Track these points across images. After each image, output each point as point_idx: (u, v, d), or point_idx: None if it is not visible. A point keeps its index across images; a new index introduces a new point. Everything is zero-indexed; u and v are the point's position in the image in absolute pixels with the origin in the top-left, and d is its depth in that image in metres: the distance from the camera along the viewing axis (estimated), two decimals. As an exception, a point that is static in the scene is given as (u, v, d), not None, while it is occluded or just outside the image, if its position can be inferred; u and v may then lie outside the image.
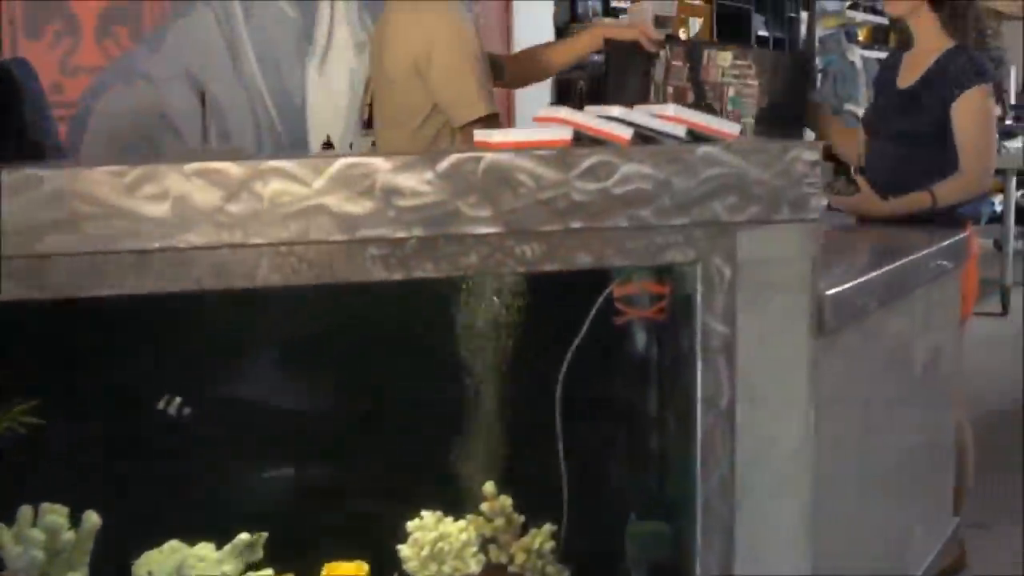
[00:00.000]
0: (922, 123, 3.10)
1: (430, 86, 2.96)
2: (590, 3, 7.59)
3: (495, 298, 1.98)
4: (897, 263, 2.31)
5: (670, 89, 3.10)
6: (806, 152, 1.80)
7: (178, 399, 2.04)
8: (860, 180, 3.12)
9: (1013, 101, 13.38)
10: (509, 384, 2.04)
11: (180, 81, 4.66)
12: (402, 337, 1.99)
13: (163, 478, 1.98)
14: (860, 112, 10.06)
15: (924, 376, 2.55)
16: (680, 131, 1.83)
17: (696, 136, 1.85)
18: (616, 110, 1.82)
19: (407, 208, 1.67)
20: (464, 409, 2.06)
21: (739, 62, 3.04)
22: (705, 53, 3.10)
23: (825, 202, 2.73)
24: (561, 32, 7.10)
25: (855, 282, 2.09)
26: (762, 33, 8.95)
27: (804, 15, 9.97)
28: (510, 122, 6.67)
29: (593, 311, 1.87)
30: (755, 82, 3.02)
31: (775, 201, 1.79)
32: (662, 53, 3.09)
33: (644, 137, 1.82)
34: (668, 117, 1.83)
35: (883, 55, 11.68)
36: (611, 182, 1.73)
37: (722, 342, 1.82)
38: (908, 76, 3.21)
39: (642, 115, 1.83)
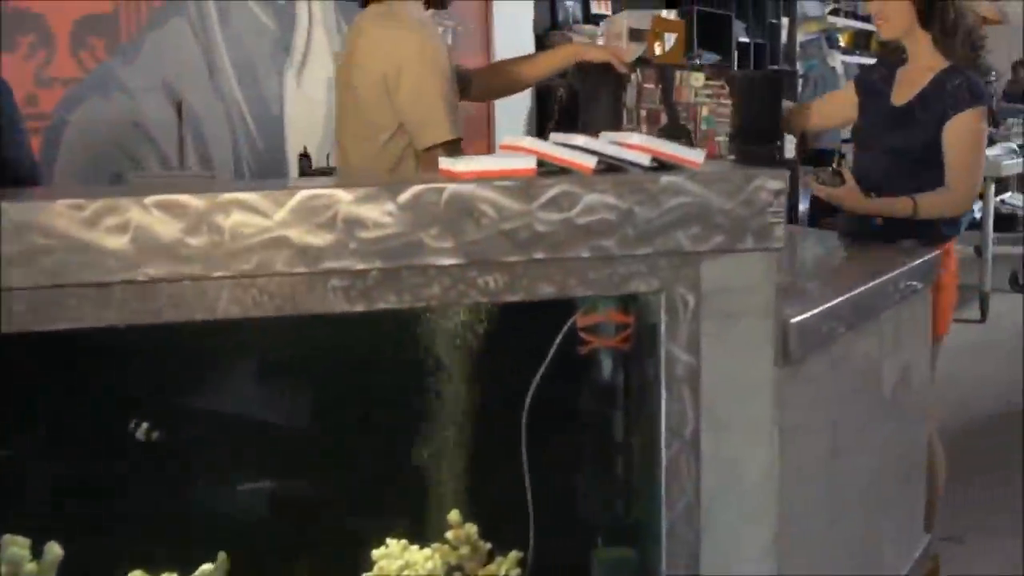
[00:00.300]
0: (915, 140, 3.13)
1: (397, 105, 2.96)
2: (570, 9, 7.60)
3: (460, 326, 1.97)
4: (864, 287, 2.31)
5: (643, 112, 3.10)
6: (770, 181, 1.80)
7: (145, 424, 2.04)
8: (846, 173, 3.13)
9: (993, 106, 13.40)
10: (475, 411, 2.04)
11: (156, 92, 4.65)
12: (367, 364, 1.99)
13: (126, 509, 1.97)
14: (841, 117, 10.10)
15: (894, 395, 2.55)
16: (644, 160, 1.83)
17: (661, 164, 1.85)
18: (580, 139, 1.82)
19: (369, 240, 1.66)
20: (429, 437, 2.06)
21: (712, 82, 3.04)
22: (677, 75, 3.10)
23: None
24: (541, 39, 7.11)
25: (820, 309, 2.09)
26: (743, 39, 8.96)
27: (785, 20, 9.99)
28: (489, 130, 6.68)
29: (558, 339, 1.86)
30: (728, 101, 3.03)
31: (739, 230, 1.79)
32: (633, 76, 3.08)
33: (609, 166, 1.82)
34: (632, 145, 1.83)
35: (865, 60, 11.77)
36: (574, 212, 1.73)
37: (686, 371, 1.82)
38: (903, 93, 3.23)
39: (606, 144, 1.82)
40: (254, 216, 1.63)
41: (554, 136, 1.91)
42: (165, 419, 1.99)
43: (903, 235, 2.94)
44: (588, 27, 7.45)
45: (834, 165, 3.21)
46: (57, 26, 4.26)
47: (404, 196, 1.67)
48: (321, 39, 5.38)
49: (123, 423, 2.00)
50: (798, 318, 1.97)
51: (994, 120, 11.79)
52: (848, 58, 11.06)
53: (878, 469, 2.49)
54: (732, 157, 3.23)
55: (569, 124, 6.34)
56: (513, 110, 6.86)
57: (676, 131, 3.13)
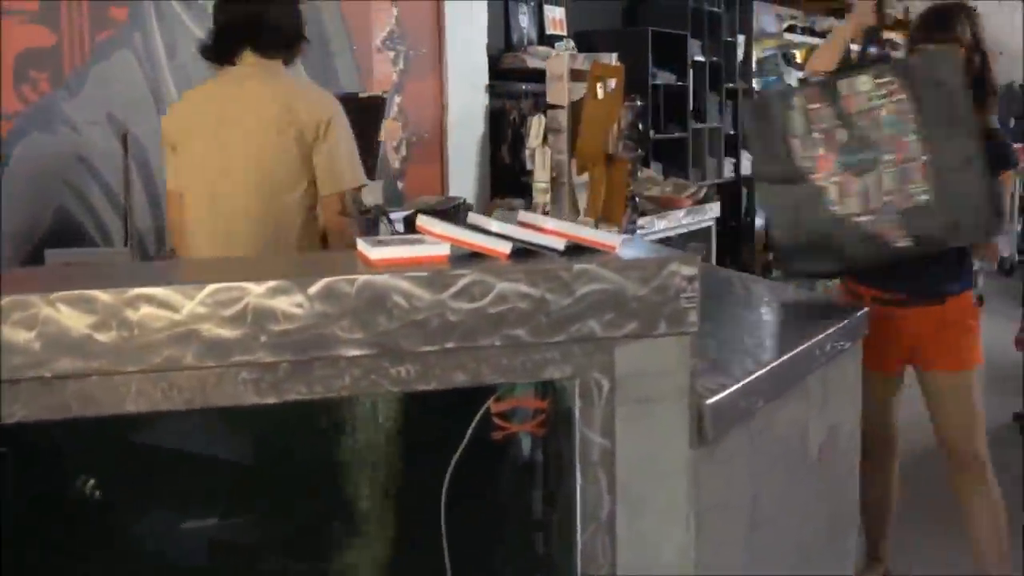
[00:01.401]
0: None
1: (319, 154, 3.18)
2: (525, 31, 7.61)
3: (378, 409, 1.97)
4: (787, 356, 2.33)
5: (816, 135, 3.07)
6: (684, 267, 1.81)
7: (91, 481, 2.02)
8: None
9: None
10: (393, 496, 2.03)
11: (101, 124, 4.63)
12: (282, 449, 1.98)
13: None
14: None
15: (821, 456, 2.57)
16: (559, 244, 1.83)
17: (578, 248, 1.85)
18: (495, 224, 1.83)
19: (279, 332, 1.66)
20: (345, 526, 2.05)
21: (881, 80, 3.02)
22: (842, 84, 3.06)
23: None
24: (495, 61, 7.12)
25: (738, 385, 2.11)
26: (699, 58, 9.01)
27: (741, 38, 10.04)
28: (441, 153, 6.69)
29: (473, 425, 1.87)
30: (904, 95, 2.99)
31: (653, 316, 1.81)
32: (795, 100, 3.09)
33: (524, 250, 1.82)
34: (547, 230, 1.84)
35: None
36: (486, 301, 1.74)
37: (601, 454, 1.83)
38: None
39: (520, 229, 1.83)
40: (163, 310, 1.63)
41: (472, 216, 1.91)
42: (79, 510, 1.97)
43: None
44: (543, 48, 7.46)
45: None
46: (-1, 60, 4.24)
47: (315, 288, 1.67)
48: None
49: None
50: (714, 399, 1.98)
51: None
52: (804, 74, 11.11)
53: (803, 532, 2.51)
54: (925, 157, 3.08)
55: (518, 146, 6.35)
56: (466, 133, 6.87)
57: (859, 145, 3.07)
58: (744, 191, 10.19)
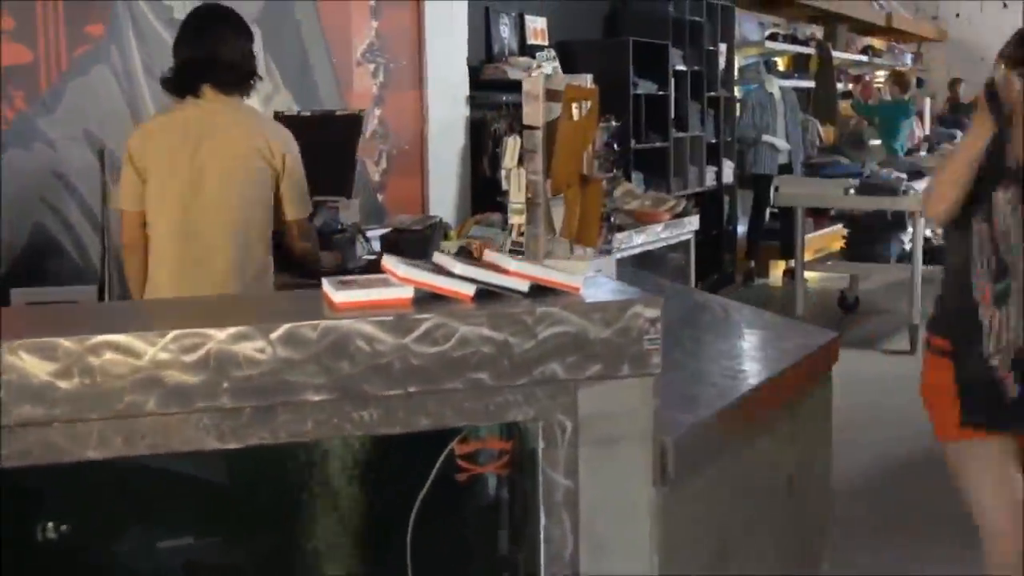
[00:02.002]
0: None
1: (285, 182, 3.47)
2: (506, 41, 7.62)
3: (340, 453, 1.98)
4: (754, 387, 2.34)
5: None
6: (647, 309, 1.83)
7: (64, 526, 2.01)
8: None
9: (927, 131, 13.58)
10: (358, 537, 2.03)
11: (78, 140, 4.63)
12: (242, 495, 1.98)
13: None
14: (778, 143, 10.20)
15: (791, 487, 2.58)
16: (523, 286, 1.84)
17: (542, 289, 1.86)
18: (458, 266, 1.83)
19: (242, 378, 1.67)
20: (310, 567, 2.05)
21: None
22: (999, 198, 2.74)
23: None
24: (475, 72, 7.13)
25: (702, 422, 2.12)
26: (680, 67, 9.03)
27: (723, 47, 10.06)
28: (422, 165, 6.69)
29: (436, 467, 1.87)
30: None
31: (616, 358, 1.82)
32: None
33: (487, 291, 1.83)
34: (511, 272, 1.84)
35: (802, 84, 11.87)
36: (449, 345, 1.74)
37: (565, 495, 1.84)
38: None
39: (483, 271, 1.84)
40: (126, 356, 1.63)
41: (437, 256, 1.92)
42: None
43: None
44: (523, 59, 7.47)
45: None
46: (-25, 78, 4.23)
47: (277, 333, 1.68)
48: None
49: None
50: (678, 436, 1.98)
51: (930, 147, 11.97)
52: (785, 82, 11.16)
53: (774, 564, 2.51)
54: None
55: (498, 158, 6.34)
56: (447, 145, 6.88)
57: None
58: (726, 199, 10.22)
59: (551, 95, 3.76)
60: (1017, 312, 2.77)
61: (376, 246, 4.23)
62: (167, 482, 1.95)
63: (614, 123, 3.99)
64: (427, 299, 1.81)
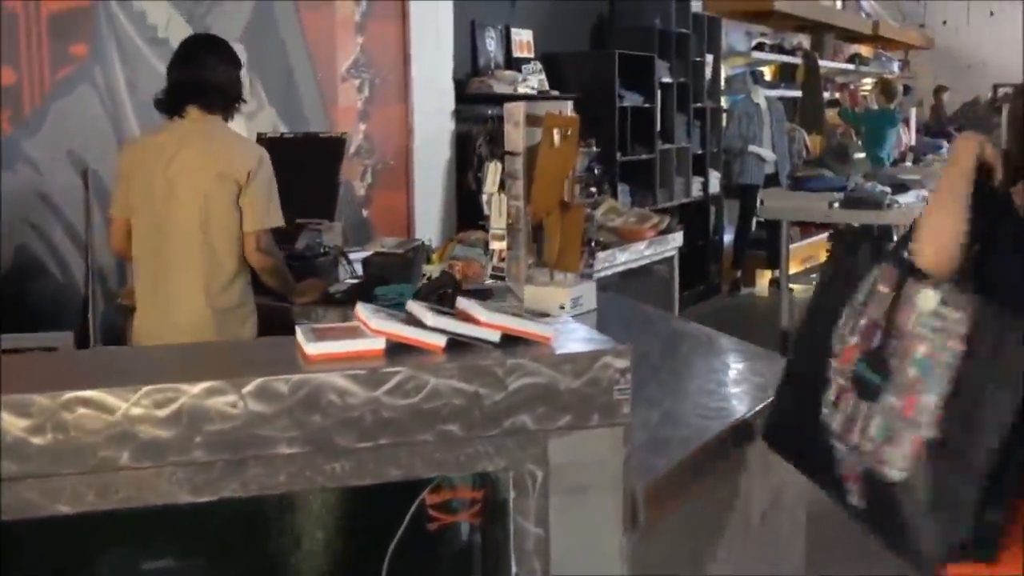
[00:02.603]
0: None
1: (250, 195, 3.62)
2: (492, 55, 7.63)
3: (313, 503, 1.99)
4: (721, 430, 2.35)
5: (862, 321, 2.28)
6: (617, 360, 1.85)
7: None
8: None
9: (913, 139, 13.61)
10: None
11: (62, 161, 4.64)
12: (213, 545, 1.99)
13: None
14: (764, 153, 10.23)
15: (764, 520, 2.60)
16: (495, 336, 1.86)
17: (513, 339, 1.88)
18: (430, 317, 1.85)
19: (214, 432, 1.69)
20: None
21: (944, 309, 2.16)
22: (911, 286, 2.22)
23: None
24: (461, 85, 7.14)
25: (672, 466, 2.14)
26: (666, 79, 9.05)
27: (710, 58, 10.08)
28: (407, 179, 6.71)
29: (408, 516, 1.89)
30: (958, 344, 2.13)
31: (586, 409, 1.84)
32: (875, 270, 2.29)
33: (458, 342, 1.85)
34: (482, 322, 1.86)
35: (788, 94, 11.90)
36: (420, 397, 1.76)
37: (536, 543, 1.86)
38: None
39: (455, 322, 1.86)
40: (99, 411, 1.65)
41: (410, 305, 1.94)
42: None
43: None
44: (509, 73, 7.49)
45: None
46: (-43, 101, 4.24)
47: (249, 387, 1.70)
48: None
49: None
50: (648, 481, 2.00)
51: (916, 157, 12.01)
52: (772, 92, 11.19)
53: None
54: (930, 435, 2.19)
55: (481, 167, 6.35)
56: (432, 160, 6.89)
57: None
58: (712, 209, 10.25)
59: (532, 120, 3.79)
60: None
61: (359, 268, 4.25)
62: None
63: (595, 148, 4.01)
64: (399, 350, 1.83)
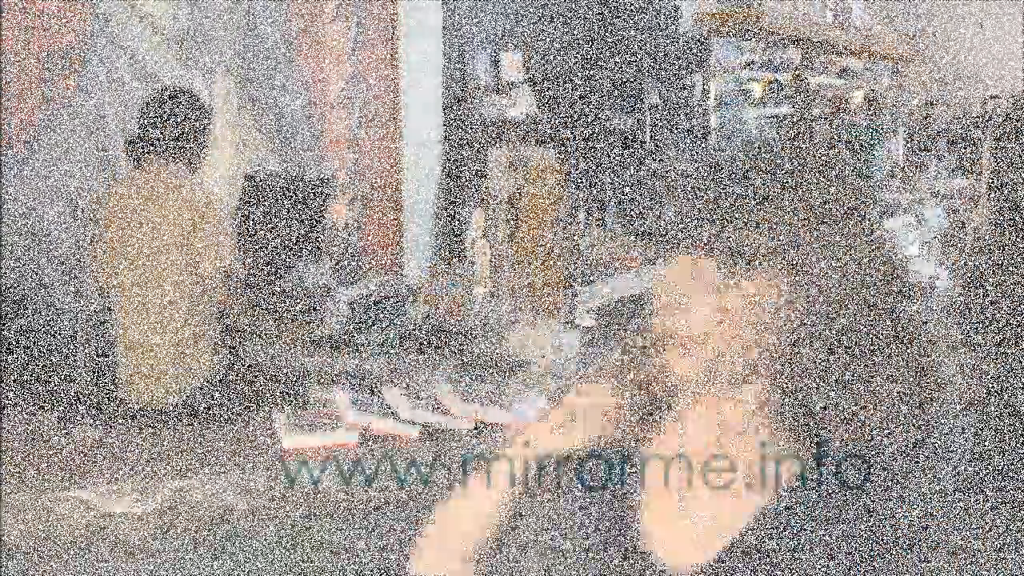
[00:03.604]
0: None
1: (201, 239, 3.79)
2: (481, 78, 7.65)
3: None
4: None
5: None
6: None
7: None
8: None
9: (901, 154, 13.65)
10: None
11: (52, 192, 4.68)
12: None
13: None
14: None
15: None
16: (468, 424, 1.90)
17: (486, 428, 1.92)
18: (405, 409, 1.89)
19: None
20: None
21: None
22: None
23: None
24: (451, 110, 7.15)
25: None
26: (655, 100, 9.07)
27: (699, 77, 10.10)
28: (398, 205, 6.73)
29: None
30: None
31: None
32: None
33: (432, 431, 1.89)
34: (455, 414, 1.90)
35: (780, 111, 11.92)
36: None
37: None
38: None
39: (429, 414, 1.90)
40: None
41: (386, 391, 1.98)
42: None
43: None
44: (499, 97, 7.51)
45: None
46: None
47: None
48: (222, 129, 5.42)
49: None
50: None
51: (903, 175, 12.04)
52: (762, 109, 11.22)
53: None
54: None
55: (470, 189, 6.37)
56: (422, 186, 6.92)
57: None
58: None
59: (516, 166, 3.84)
60: None
61: (345, 310, 4.28)
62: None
63: (579, 192, 4.07)
64: (374, 440, 1.87)
